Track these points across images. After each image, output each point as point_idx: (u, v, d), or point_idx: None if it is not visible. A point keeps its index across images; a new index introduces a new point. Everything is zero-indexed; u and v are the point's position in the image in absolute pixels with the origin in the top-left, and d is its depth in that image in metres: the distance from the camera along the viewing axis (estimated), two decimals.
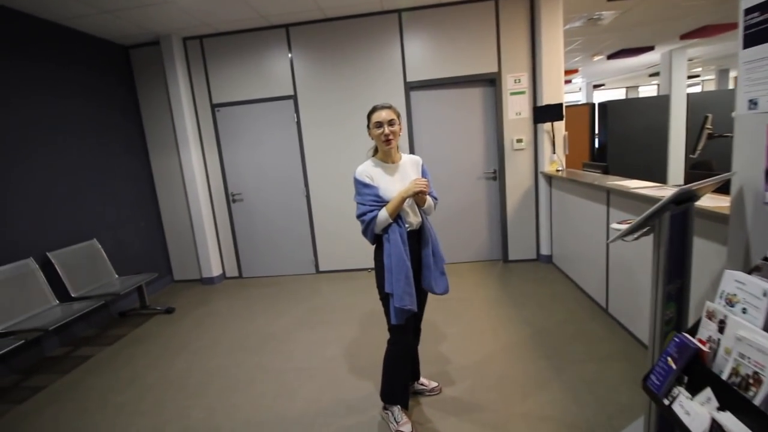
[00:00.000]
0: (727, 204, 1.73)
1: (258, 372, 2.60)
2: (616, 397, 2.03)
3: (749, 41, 1.45)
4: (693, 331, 1.25)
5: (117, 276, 3.66)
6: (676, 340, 1.20)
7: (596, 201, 2.99)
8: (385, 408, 1.97)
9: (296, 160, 4.34)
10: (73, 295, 3.16)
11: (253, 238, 4.55)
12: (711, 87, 12.94)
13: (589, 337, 2.65)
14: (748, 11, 1.45)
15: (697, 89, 13.50)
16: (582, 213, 3.31)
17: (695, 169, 3.65)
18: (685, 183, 4.15)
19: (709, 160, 3.65)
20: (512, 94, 4.02)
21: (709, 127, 1.88)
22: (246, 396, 2.35)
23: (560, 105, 3.76)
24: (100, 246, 3.63)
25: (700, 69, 11.03)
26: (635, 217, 2.44)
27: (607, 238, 2.87)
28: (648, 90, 14.10)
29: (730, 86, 11.46)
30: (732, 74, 11.41)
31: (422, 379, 2.19)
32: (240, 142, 4.38)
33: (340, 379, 2.43)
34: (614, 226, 1.63)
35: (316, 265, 4.50)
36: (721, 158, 4.67)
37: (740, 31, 1.48)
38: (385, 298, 1.82)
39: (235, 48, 4.20)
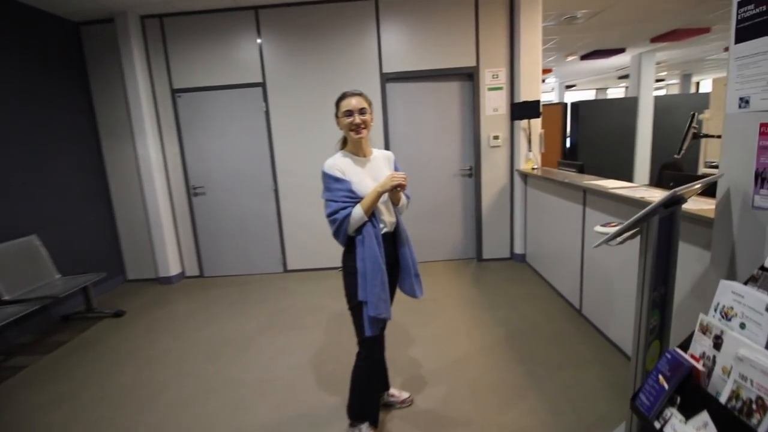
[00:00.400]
0: (711, 207, 1.67)
1: (214, 383, 2.38)
2: (594, 406, 1.96)
3: (742, 36, 1.37)
4: (684, 346, 1.17)
5: (59, 276, 3.31)
6: (668, 356, 1.10)
7: (572, 200, 2.93)
8: (351, 424, 1.81)
9: (264, 152, 4.09)
10: (6, 298, 2.82)
11: (215, 235, 4.27)
12: (675, 91, 13.45)
13: (564, 340, 2.59)
14: (741, 4, 1.36)
15: (662, 92, 14.01)
16: (557, 212, 3.26)
17: (666, 170, 3.68)
18: (656, 183, 4.19)
19: (680, 161, 3.69)
20: (490, 89, 3.92)
21: (695, 126, 1.83)
22: (199, 411, 2.13)
23: (537, 102, 3.69)
24: (40, 242, 3.27)
25: (665, 73, 11.42)
26: (614, 218, 2.38)
27: (583, 238, 2.81)
28: (616, 92, 14.52)
29: (692, 90, 11.94)
30: (694, 79, 11.88)
31: (392, 390, 2.04)
32: (203, 131, 4.08)
33: (304, 391, 2.25)
34: (598, 229, 1.53)
35: (284, 264, 4.27)
36: (686, 160, 4.79)
37: (732, 25, 1.40)
38: (356, 307, 1.64)
39: (198, 29, 3.88)
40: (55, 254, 3.35)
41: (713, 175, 1.54)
